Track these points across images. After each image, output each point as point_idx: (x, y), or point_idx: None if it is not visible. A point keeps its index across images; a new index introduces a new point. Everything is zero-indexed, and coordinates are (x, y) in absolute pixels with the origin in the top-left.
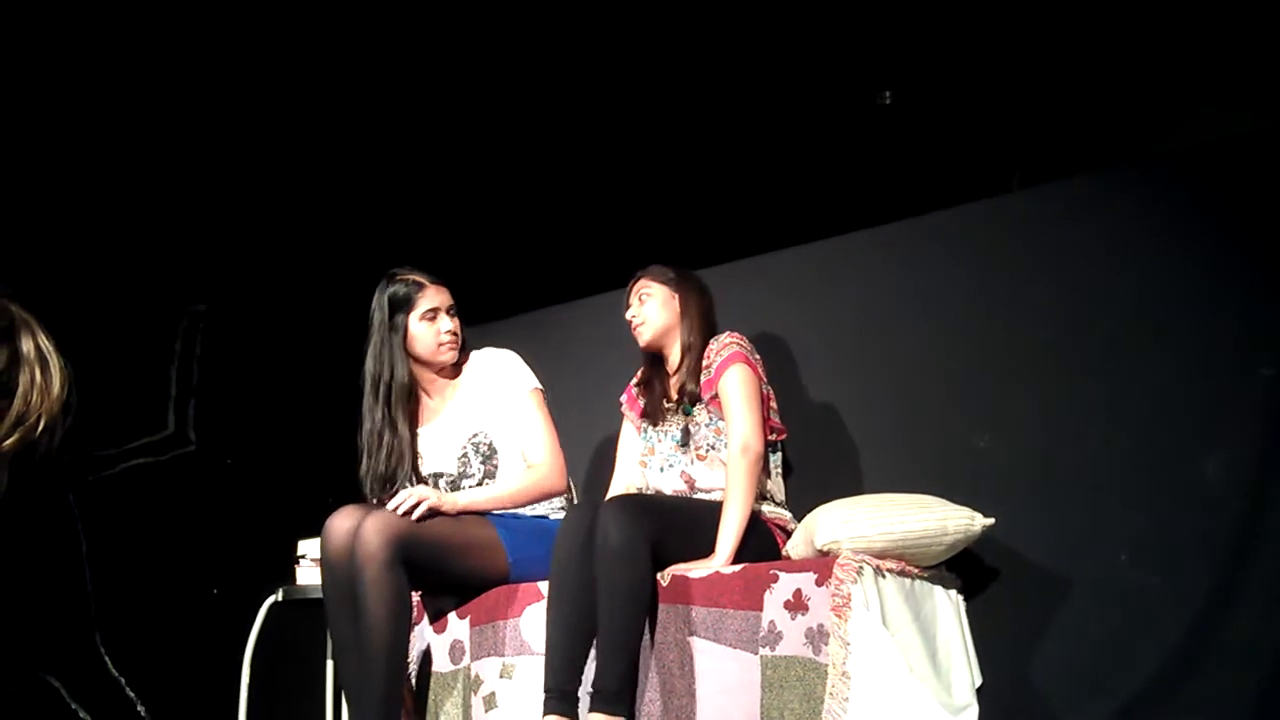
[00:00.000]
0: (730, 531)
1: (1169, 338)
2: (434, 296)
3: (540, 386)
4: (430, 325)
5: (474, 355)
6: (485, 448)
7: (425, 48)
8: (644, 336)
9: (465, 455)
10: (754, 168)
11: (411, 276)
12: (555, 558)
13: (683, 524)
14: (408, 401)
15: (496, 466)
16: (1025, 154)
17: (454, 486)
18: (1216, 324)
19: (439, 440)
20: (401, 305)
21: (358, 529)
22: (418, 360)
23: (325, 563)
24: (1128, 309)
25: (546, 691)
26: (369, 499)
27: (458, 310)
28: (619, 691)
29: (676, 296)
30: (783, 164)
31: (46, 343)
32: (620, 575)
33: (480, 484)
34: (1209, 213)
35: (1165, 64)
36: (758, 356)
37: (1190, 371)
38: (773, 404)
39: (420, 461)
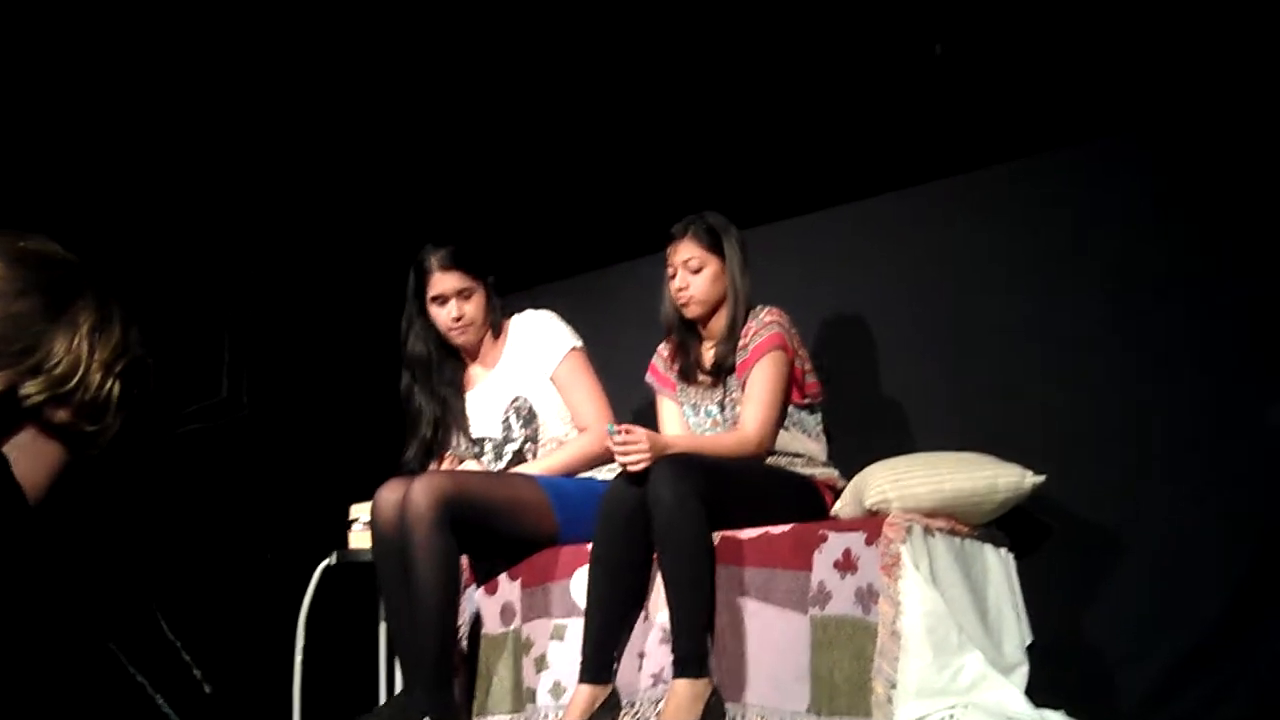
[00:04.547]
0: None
1: (1218, 291)
2: (439, 282)
3: (579, 345)
4: (440, 309)
5: (514, 319)
6: (525, 412)
7: (464, 7)
8: (694, 311)
9: (507, 420)
10: (797, 128)
11: (426, 259)
12: (600, 526)
13: (731, 480)
14: (443, 372)
15: (538, 429)
16: (1075, 108)
17: (498, 451)
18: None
19: (482, 406)
20: (418, 288)
21: (406, 493)
22: (445, 336)
23: (376, 534)
24: (1174, 263)
25: (583, 659)
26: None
27: (497, 280)
28: (700, 654)
29: (725, 267)
30: (827, 122)
31: (115, 313)
32: (682, 534)
33: (522, 448)
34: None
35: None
36: (794, 330)
37: (1240, 322)
38: (808, 367)
39: (468, 425)
